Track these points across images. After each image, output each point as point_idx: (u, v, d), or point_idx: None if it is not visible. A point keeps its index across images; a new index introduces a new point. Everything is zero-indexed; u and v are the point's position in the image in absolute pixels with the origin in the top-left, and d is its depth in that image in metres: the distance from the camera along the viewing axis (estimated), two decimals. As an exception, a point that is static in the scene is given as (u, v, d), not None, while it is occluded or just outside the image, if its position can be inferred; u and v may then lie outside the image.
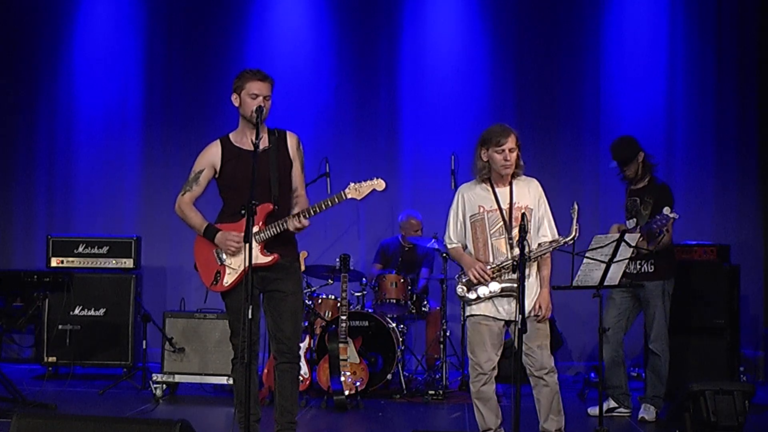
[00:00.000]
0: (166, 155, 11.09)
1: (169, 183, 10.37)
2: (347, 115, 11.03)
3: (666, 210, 6.91)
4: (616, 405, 7.62)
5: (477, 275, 5.69)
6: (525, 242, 5.27)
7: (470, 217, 5.86)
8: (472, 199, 5.89)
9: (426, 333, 9.75)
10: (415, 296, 9.09)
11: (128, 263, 9.73)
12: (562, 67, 10.85)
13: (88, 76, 11.42)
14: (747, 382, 8.28)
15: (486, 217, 5.78)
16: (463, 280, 5.83)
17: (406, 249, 9.69)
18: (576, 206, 5.65)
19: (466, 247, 5.91)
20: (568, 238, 5.66)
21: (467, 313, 5.91)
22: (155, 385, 8.34)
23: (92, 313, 9.52)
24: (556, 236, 5.76)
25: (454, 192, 8.31)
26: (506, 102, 10.76)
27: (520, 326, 5.18)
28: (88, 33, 11.48)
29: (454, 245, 5.97)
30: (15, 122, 11.53)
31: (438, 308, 9.30)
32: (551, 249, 5.72)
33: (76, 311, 9.48)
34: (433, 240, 9.21)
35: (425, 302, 9.28)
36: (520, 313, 5.18)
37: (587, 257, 5.73)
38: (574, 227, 5.63)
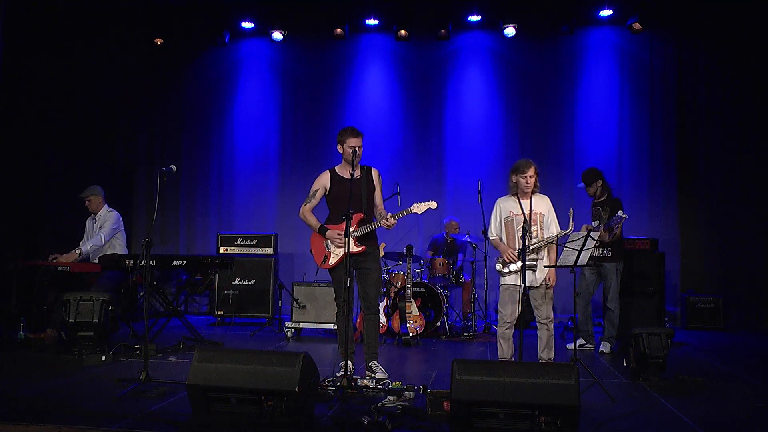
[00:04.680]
0: (295, 179, 11.25)
1: (296, 198, 10.52)
2: (411, 154, 11.08)
3: (620, 212, 7.01)
4: (585, 342, 7.68)
5: (509, 257, 5.81)
6: (526, 237, 5.37)
7: (504, 218, 5.99)
8: (505, 207, 6.02)
9: (462, 296, 9.79)
10: (454, 272, 9.13)
11: (269, 251, 9.85)
12: (550, 122, 10.83)
13: (243, 131, 11.64)
14: (669, 327, 8.21)
15: (514, 219, 5.91)
16: (500, 260, 5.96)
17: (449, 241, 9.70)
18: (572, 211, 5.76)
19: (502, 238, 5.99)
20: (567, 231, 5.78)
21: (501, 282, 5.96)
22: (287, 330, 8.45)
23: (246, 282, 9.65)
24: (559, 230, 5.85)
25: (479, 205, 8.46)
26: (514, 146, 10.75)
27: (523, 291, 5.26)
28: (243, 103, 11.70)
29: (493, 237, 6.09)
30: (196, 162, 11.77)
31: (469, 280, 9.37)
32: (555, 238, 5.85)
33: (236, 282, 9.65)
34: (467, 235, 9.29)
35: (461, 276, 9.29)
36: (522, 283, 5.27)
37: (566, 247, 5.78)
38: (570, 224, 5.73)
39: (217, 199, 11.67)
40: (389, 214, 5.72)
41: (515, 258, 5.79)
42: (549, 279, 5.84)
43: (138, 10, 10.95)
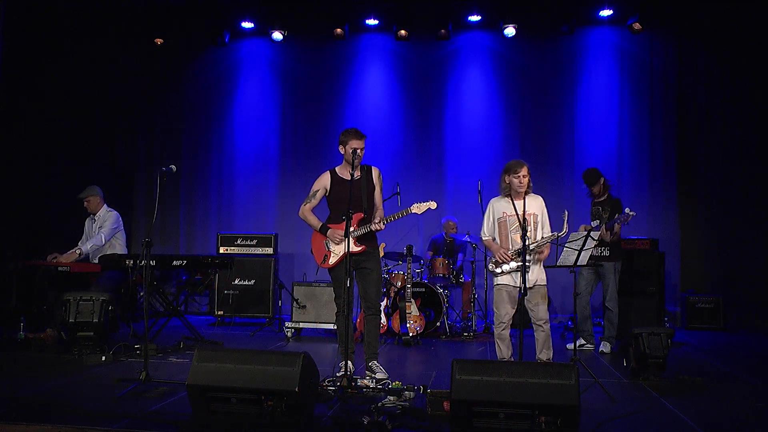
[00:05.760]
0: (295, 180, 11.24)
1: (296, 198, 10.50)
2: (411, 154, 11.09)
3: (627, 210, 7.01)
4: (585, 342, 7.67)
5: (501, 257, 5.79)
6: (527, 238, 5.35)
7: (497, 219, 5.96)
8: (498, 207, 5.98)
9: (462, 296, 9.79)
10: (454, 272, 9.13)
11: (269, 251, 9.85)
12: (550, 122, 10.84)
13: (243, 131, 11.64)
14: (669, 327, 8.24)
15: (507, 220, 5.88)
16: (493, 261, 5.94)
17: (448, 241, 9.71)
18: (566, 213, 5.75)
19: (495, 239, 5.97)
20: (561, 233, 5.76)
21: (494, 283, 5.92)
22: (287, 330, 8.46)
23: (246, 282, 9.65)
24: (552, 232, 5.84)
25: (479, 205, 8.44)
26: (514, 146, 10.76)
27: (522, 292, 5.26)
28: (243, 103, 11.70)
29: (486, 238, 6.05)
30: (196, 163, 11.78)
31: (469, 280, 9.39)
32: (549, 240, 5.81)
33: (236, 282, 9.64)
34: (466, 235, 9.30)
35: (461, 276, 9.29)
36: (522, 283, 5.26)
37: (566, 247, 5.79)
38: (565, 226, 5.72)
39: (217, 199, 11.67)
40: (379, 218, 5.76)
41: (508, 258, 5.79)
42: (540, 279, 5.84)
43: (138, 10, 10.96)
